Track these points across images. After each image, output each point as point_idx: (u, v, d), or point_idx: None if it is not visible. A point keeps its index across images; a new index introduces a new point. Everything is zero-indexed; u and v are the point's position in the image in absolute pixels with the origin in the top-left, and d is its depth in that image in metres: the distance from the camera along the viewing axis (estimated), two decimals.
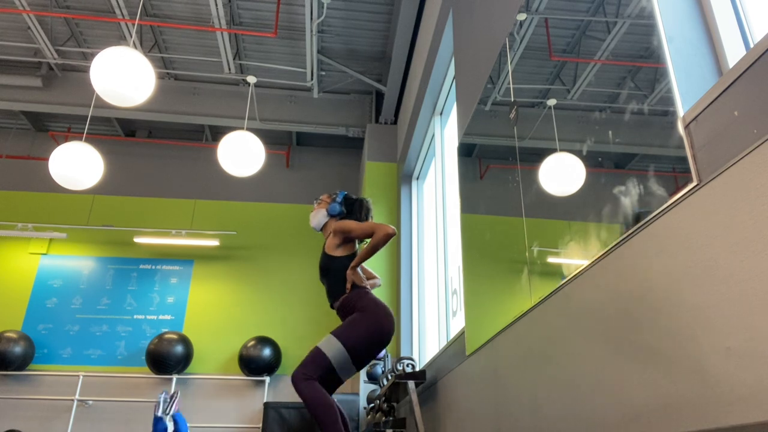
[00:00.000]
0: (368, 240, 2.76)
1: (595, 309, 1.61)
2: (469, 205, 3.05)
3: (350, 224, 2.74)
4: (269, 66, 6.39)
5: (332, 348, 2.48)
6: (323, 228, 2.99)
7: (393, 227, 2.65)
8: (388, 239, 2.62)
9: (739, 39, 1.39)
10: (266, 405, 5.72)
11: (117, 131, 7.33)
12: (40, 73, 6.38)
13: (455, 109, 3.83)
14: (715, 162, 1.18)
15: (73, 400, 5.96)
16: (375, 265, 5.91)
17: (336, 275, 2.74)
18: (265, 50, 6.26)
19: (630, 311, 1.43)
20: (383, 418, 4.32)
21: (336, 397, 5.14)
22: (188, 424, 5.94)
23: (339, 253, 2.76)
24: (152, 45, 6.16)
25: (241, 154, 5.00)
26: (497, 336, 2.41)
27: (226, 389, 6.27)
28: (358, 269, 2.79)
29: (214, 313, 6.56)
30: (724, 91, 1.18)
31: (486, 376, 2.53)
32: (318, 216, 2.98)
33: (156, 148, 7.40)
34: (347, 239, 2.76)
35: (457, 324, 3.94)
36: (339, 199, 2.98)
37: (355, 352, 2.50)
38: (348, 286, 2.68)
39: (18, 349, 5.86)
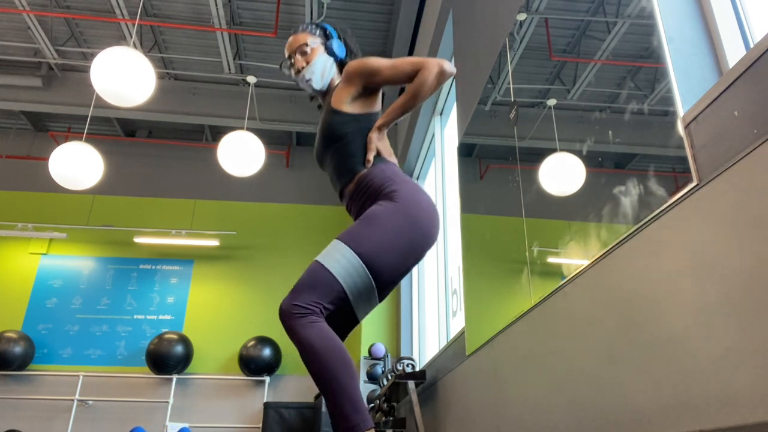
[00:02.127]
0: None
1: (595, 309, 1.61)
2: (469, 205, 3.05)
3: (375, 61, 1.70)
4: (269, 66, 6.39)
5: (340, 261, 1.47)
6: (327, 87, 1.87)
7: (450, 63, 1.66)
8: (441, 81, 1.63)
9: (739, 39, 1.39)
10: (266, 405, 5.72)
11: (117, 131, 7.33)
12: (40, 73, 6.37)
13: (455, 109, 3.83)
14: (715, 162, 1.18)
15: (73, 400, 5.96)
16: None
17: (350, 143, 1.71)
18: (265, 50, 6.26)
19: (630, 311, 1.43)
20: (383, 418, 4.32)
21: None
22: (188, 425, 5.94)
23: (355, 108, 1.73)
24: (152, 45, 6.16)
25: (241, 154, 5.00)
26: (497, 336, 2.41)
27: (226, 389, 6.27)
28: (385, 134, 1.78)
29: (214, 313, 6.56)
30: (724, 91, 1.18)
31: (486, 376, 2.53)
32: (318, 64, 1.82)
33: (156, 148, 7.40)
34: (368, 88, 1.74)
35: (457, 324, 3.94)
36: (334, 34, 1.89)
37: (378, 266, 1.48)
38: (369, 157, 1.68)
39: (18, 349, 5.86)
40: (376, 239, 1.49)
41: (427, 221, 1.56)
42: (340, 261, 1.46)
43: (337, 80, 1.88)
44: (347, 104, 1.73)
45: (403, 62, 1.67)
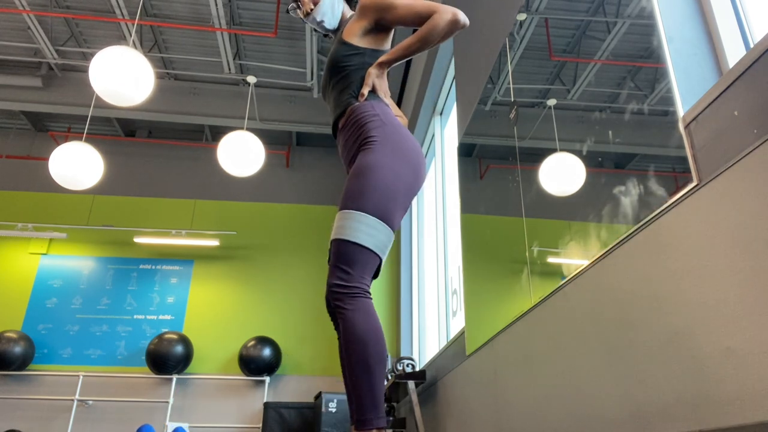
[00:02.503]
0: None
1: (595, 309, 1.61)
2: (469, 205, 3.05)
3: None
4: (269, 66, 6.39)
5: (366, 231, 1.47)
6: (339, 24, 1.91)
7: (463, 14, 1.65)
8: (452, 29, 1.62)
9: (739, 39, 1.39)
10: (266, 405, 5.71)
11: (117, 131, 7.33)
12: (40, 73, 6.37)
13: (455, 109, 3.83)
14: (715, 162, 1.18)
15: (73, 400, 5.96)
16: None
17: (350, 75, 1.72)
18: (265, 50, 6.26)
19: (630, 311, 1.43)
20: None
21: (334, 396, 5.14)
22: (188, 425, 5.94)
23: (363, 42, 1.75)
24: (152, 45, 6.16)
25: (241, 154, 5.00)
26: (497, 336, 2.41)
27: (226, 389, 6.27)
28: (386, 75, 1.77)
29: (214, 313, 6.56)
30: (724, 91, 1.18)
31: (486, 376, 2.53)
32: (326, 3, 1.86)
33: (156, 148, 7.40)
34: (380, 25, 1.75)
35: (457, 324, 3.93)
36: None
37: (391, 214, 1.51)
38: (363, 90, 1.67)
39: (18, 349, 5.86)
40: (379, 191, 1.50)
41: (415, 164, 1.59)
42: (365, 231, 1.47)
43: (348, 14, 1.92)
44: (357, 37, 1.75)
45: (418, 3, 1.67)
